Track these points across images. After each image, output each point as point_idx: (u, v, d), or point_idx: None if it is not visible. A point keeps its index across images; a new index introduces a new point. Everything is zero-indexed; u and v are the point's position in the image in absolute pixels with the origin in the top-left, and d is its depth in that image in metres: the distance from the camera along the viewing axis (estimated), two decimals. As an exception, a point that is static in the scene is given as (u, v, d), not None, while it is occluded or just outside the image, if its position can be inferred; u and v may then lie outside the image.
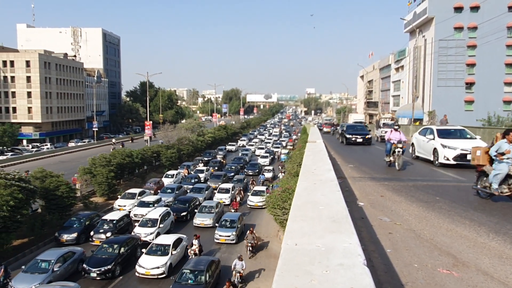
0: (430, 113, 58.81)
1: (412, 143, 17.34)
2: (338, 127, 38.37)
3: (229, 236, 23.80)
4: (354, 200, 9.49)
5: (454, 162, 14.06)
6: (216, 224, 25.67)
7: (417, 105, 61.92)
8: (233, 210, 29.59)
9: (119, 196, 32.80)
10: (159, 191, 35.27)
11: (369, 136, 26.47)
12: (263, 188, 33.75)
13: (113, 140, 70.00)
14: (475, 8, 57.86)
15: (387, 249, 5.93)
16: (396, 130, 14.21)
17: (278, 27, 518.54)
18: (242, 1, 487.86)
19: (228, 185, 35.69)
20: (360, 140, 25.80)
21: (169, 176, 41.05)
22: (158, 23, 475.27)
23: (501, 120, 42.96)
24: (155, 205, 29.20)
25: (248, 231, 22.06)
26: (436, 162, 14.68)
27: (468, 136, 15.47)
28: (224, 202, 32.14)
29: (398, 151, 13.64)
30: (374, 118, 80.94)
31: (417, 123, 45.15)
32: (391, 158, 14.18)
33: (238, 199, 32.65)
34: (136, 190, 32.85)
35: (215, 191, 35.70)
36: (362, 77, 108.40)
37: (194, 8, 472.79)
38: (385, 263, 5.39)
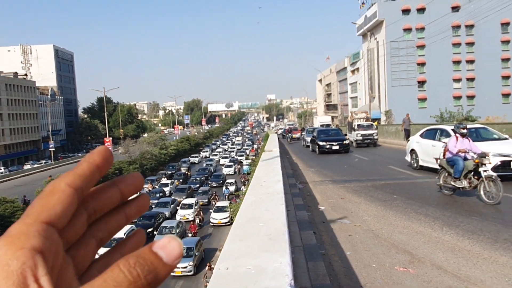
0: (386, 112, 60.90)
1: (412, 150, 14.04)
2: (303, 133, 35.13)
3: (185, 268, 20.91)
4: (315, 204, 9.63)
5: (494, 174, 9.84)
6: None
7: (374, 106, 63.97)
8: (190, 235, 26.65)
9: None
10: None
11: (347, 142, 22.88)
12: (226, 203, 31.13)
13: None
14: (421, 10, 60.63)
15: (347, 252, 6.03)
16: (463, 136, 9.08)
17: (236, 35, 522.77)
18: (198, 11, 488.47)
19: (191, 200, 34.00)
20: (337, 147, 22.04)
21: None
22: (113, 36, 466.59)
23: (452, 115, 45.16)
24: None
25: (206, 267, 19.78)
26: None
27: (495, 136, 12.19)
28: (187, 218, 30.69)
29: (486, 171, 8.46)
30: (334, 120, 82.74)
31: (376, 123, 46.57)
32: (465, 183, 8.75)
33: (197, 221, 29.97)
34: None
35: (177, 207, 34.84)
36: (320, 80, 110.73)
37: (150, 20, 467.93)
38: (345, 266, 5.48)
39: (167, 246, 0.34)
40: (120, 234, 13.83)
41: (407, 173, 13.52)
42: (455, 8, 59.66)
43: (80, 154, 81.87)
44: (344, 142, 22.50)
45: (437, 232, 6.70)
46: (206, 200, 35.91)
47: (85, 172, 0.37)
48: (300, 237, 6.07)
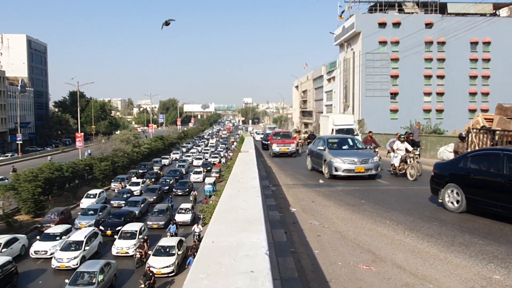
0: (359, 121, 62.29)
1: None
2: (310, 143, 19.33)
3: None
4: (287, 206, 9.94)
5: None
6: None
7: (348, 114, 65.28)
8: None
9: None
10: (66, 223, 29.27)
11: None
12: (173, 241, 22.79)
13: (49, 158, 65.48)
14: (397, 24, 62.50)
15: (315, 250, 6.35)
16: None
17: (215, 37, 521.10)
18: (176, 10, 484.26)
19: (135, 226, 26.24)
20: None
21: (91, 196, 36.92)
22: (90, 31, 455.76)
23: (421, 127, 46.74)
24: (63, 237, 24.47)
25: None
26: None
27: None
28: (126, 252, 23.62)
29: None
30: (309, 127, 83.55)
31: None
32: None
33: (137, 256, 22.41)
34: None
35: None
36: (297, 87, 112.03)
37: (127, 18, 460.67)
38: (313, 263, 5.79)
39: None
40: (81, 236, 13.95)
41: (376, 180, 14.04)
42: (429, 25, 61.83)
43: (48, 149, 79.69)
44: None
45: (399, 235, 7.12)
46: (163, 223, 29.21)
47: None
48: (272, 235, 6.34)
